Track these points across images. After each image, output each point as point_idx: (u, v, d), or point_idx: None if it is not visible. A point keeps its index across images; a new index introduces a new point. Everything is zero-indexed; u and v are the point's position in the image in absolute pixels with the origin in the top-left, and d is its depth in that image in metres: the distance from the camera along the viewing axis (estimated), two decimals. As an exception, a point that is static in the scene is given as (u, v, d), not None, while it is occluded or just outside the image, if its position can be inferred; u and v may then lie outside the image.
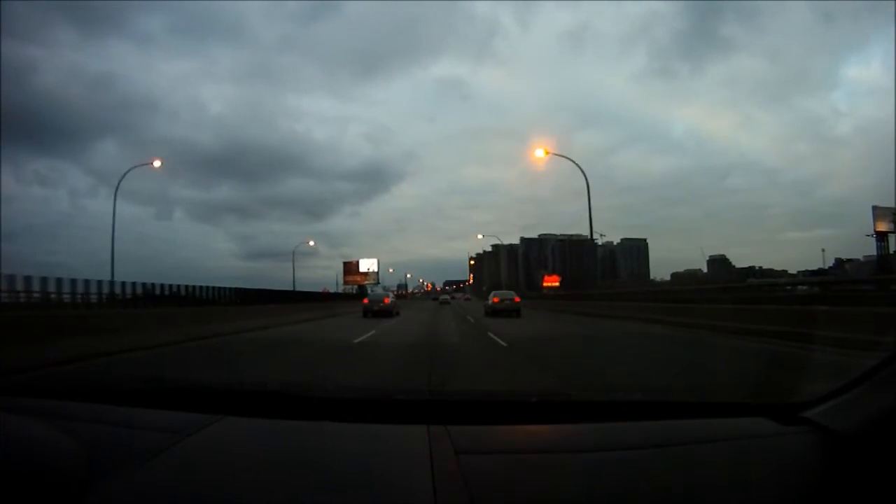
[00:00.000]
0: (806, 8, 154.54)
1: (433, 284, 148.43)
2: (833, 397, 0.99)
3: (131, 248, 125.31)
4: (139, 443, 0.90)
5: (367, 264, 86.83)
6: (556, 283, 71.25)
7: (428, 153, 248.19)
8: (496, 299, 19.76)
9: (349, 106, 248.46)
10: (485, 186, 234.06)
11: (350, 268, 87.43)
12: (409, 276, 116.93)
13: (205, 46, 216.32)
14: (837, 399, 0.98)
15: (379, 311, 19.54)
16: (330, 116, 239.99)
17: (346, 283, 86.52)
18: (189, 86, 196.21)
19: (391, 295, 24.60)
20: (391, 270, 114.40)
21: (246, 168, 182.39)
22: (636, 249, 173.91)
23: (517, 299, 19.90)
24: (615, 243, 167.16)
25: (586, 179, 21.20)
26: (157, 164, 26.40)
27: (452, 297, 75.86)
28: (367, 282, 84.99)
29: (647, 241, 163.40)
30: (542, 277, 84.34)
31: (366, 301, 21.73)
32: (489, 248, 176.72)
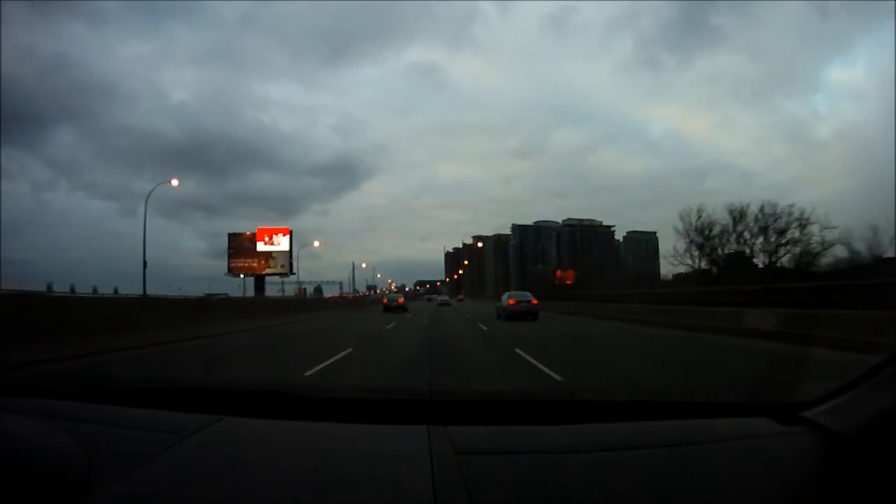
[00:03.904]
0: (804, 6, 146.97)
1: (397, 285, 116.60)
2: (833, 397, 0.99)
3: (98, 245, 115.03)
4: (139, 443, 0.90)
5: (273, 241, 50.84)
6: (570, 281, 56.80)
7: (400, 148, 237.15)
8: (512, 301, 18.72)
9: (317, 94, 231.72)
10: (458, 184, 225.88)
11: (239, 245, 51.55)
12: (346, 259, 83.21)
13: (163, 25, 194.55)
14: (837, 399, 0.98)
15: (395, 308, 27.29)
16: (297, 105, 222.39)
17: (231, 270, 50.46)
18: (149, 70, 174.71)
19: (402, 297, 33.36)
20: (378, 275, 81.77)
21: (211, 161, 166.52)
22: (644, 244, 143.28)
23: (534, 301, 19.04)
24: (619, 238, 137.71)
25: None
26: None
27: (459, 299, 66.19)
28: (269, 270, 48.84)
29: (657, 234, 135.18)
30: (555, 273, 69.77)
31: (385, 301, 31.52)
32: (469, 241, 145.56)
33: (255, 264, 50.64)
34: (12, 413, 0.91)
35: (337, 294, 66.86)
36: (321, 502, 0.77)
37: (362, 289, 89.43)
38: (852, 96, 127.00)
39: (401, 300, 30.46)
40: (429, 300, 62.82)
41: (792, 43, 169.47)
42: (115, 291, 28.47)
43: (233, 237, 51.67)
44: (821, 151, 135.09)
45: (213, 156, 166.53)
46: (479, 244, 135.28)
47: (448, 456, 0.86)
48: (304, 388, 1.28)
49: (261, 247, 50.72)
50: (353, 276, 73.60)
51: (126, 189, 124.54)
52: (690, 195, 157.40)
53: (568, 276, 60.21)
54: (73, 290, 30.01)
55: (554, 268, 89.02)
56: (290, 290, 55.28)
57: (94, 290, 31.03)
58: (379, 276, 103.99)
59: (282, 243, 50.64)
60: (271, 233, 50.92)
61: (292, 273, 51.37)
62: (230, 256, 51.11)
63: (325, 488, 0.80)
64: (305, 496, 0.78)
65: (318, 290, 67.95)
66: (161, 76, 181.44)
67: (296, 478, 0.83)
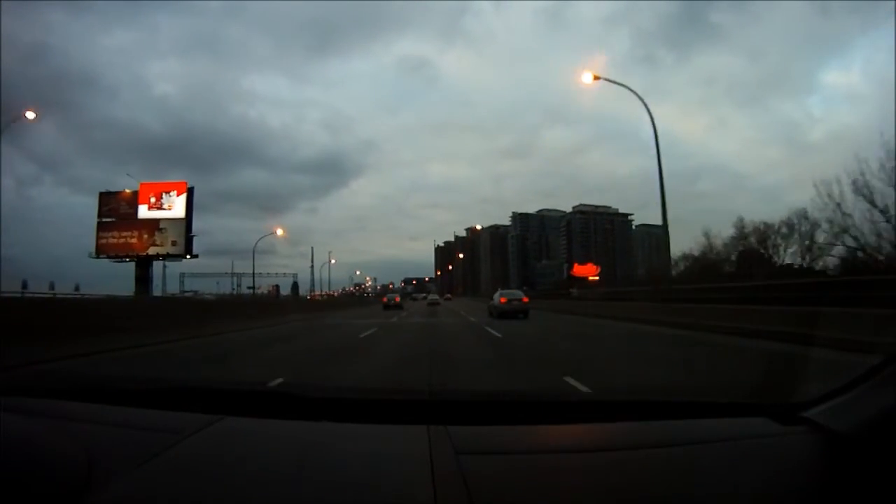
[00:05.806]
0: (803, 5, 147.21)
1: (381, 284, 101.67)
2: (833, 397, 1.00)
3: (85, 243, 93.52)
4: (139, 443, 0.91)
5: (163, 203, 33.45)
6: (595, 277, 53.06)
7: (389, 145, 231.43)
8: (504, 300, 19.42)
9: (304, 88, 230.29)
10: (448, 183, 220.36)
11: (115, 211, 33.83)
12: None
13: (145, 14, 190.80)
14: (837, 399, 0.99)
15: (392, 306, 31.23)
16: (283, 100, 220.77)
17: (101, 250, 32.81)
18: (132, 61, 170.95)
19: (399, 295, 38.55)
20: (331, 262, 65.97)
21: (197, 157, 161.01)
22: (656, 238, 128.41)
23: (525, 299, 19.79)
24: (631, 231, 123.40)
25: (649, 112, 14.90)
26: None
27: (447, 298, 63.63)
28: (156, 249, 31.32)
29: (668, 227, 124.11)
30: (571, 268, 62.56)
31: (384, 300, 35.66)
32: (462, 234, 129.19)
33: (134, 240, 32.97)
34: (14, 413, 0.91)
35: (318, 292, 57.86)
36: (321, 502, 0.77)
37: (343, 287, 75.59)
38: (848, 98, 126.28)
39: (398, 299, 34.97)
40: (414, 299, 55.57)
41: (789, 43, 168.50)
42: (51, 287, 29.86)
43: (106, 198, 33.57)
44: (813, 153, 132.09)
45: (198, 151, 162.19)
46: (471, 238, 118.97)
47: (448, 456, 0.87)
48: (303, 388, 1.27)
49: (144, 212, 32.38)
50: (313, 272, 56.63)
51: (111, 184, 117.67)
52: (683, 197, 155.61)
53: (589, 271, 54.11)
54: (25, 285, 27.05)
55: (561, 263, 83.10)
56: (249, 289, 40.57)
57: (51, 287, 31.38)
58: (333, 262, 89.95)
59: (175, 206, 32.21)
60: (160, 190, 32.53)
61: (191, 255, 33.61)
62: (101, 228, 33.49)
63: (326, 488, 0.80)
64: (305, 496, 0.78)
65: (295, 287, 60.49)
66: (145, 68, 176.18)
67: (296, 478, 0.83)
